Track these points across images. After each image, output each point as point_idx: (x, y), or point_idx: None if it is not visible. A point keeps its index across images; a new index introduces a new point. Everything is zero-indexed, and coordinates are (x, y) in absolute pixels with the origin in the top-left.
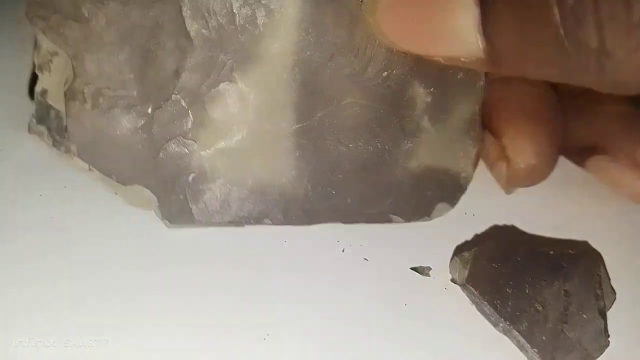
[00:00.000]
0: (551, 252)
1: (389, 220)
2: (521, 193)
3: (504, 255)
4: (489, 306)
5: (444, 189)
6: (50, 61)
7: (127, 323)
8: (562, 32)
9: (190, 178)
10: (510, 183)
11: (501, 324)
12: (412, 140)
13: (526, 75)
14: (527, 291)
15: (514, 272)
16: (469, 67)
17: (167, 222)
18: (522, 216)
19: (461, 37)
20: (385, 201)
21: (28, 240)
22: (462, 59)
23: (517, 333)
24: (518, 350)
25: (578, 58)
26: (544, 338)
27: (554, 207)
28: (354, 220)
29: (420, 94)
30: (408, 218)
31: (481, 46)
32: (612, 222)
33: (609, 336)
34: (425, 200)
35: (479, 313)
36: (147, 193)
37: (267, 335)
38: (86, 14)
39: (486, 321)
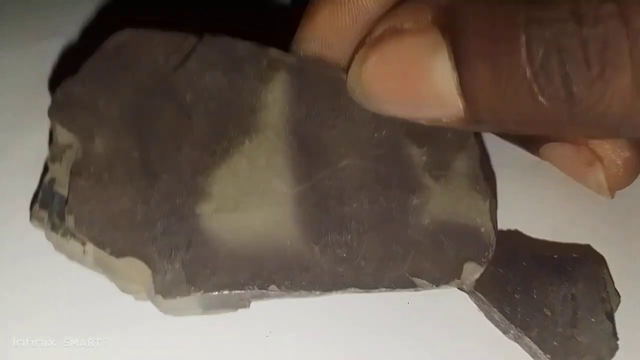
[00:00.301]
0: (555, 256)
1: (413, 285)
2: (521, 196)
3: (509, 260)
4: (499, 313)
5: (467, 246)
6: (63, 152)
7: (127, 323)
8: (535, 88)
9: (188, 247)
10: (612, 184)
11: (512, 331)
12: (418, 196)
13: (507, 131)
14: (535, 296)
15: (520, 277)
16: (452, 127)
17: (160, 297)
18: (523, 220)
19: (441, 99)
20: (403, 262)
21: (28, 240)
22: (444, 120)
23: (529, 340)
24: (529, 357)
25: (552, 111)
26: (555, 343)
27: (554, 210)
28: (373, 287)
29: (416, 153)
30: (435, 281)
31: (461, 106)
32: (613, 225)
33: (618, 339)
34: (450, 259)
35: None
36: (141, 266)
37: (270, 332)
38: (100, 107)
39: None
